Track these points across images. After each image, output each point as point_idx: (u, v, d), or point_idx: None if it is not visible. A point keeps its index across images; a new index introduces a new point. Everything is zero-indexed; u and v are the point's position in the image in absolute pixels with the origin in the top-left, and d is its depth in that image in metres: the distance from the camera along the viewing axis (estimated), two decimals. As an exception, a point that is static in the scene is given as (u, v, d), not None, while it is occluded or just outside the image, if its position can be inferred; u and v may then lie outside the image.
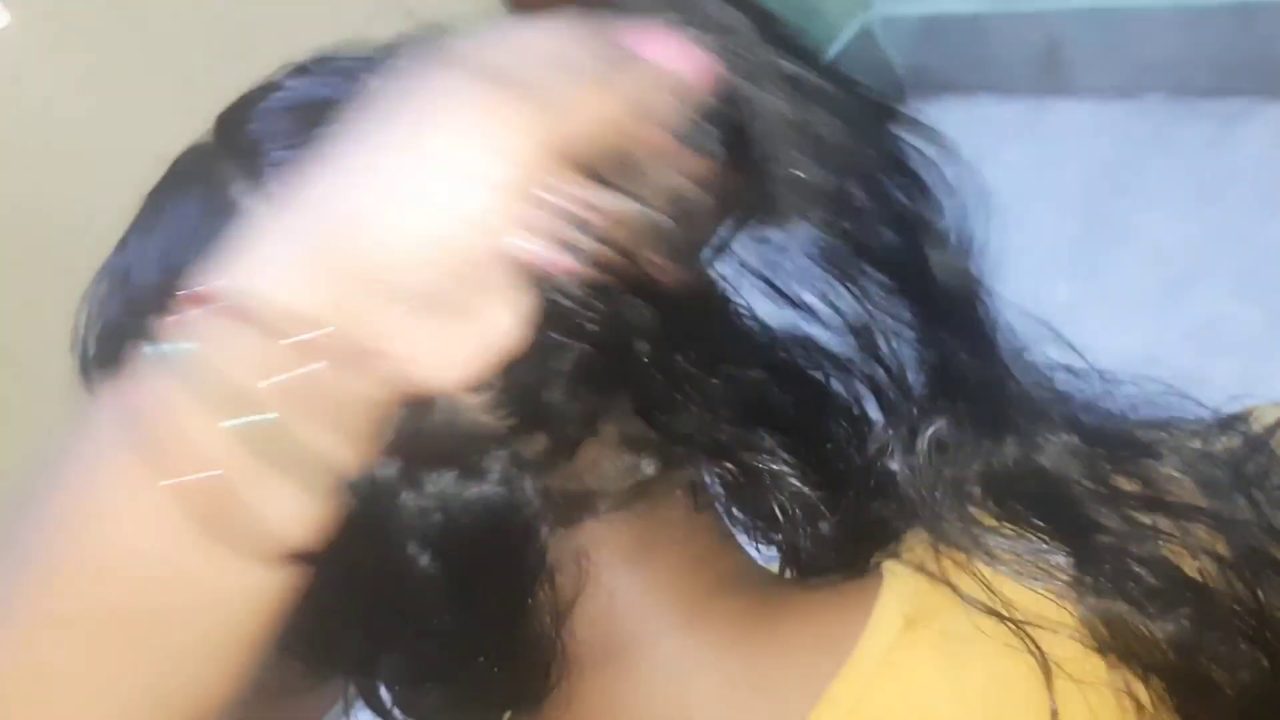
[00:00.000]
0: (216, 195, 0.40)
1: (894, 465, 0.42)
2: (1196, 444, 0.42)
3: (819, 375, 0.43)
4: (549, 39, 0.31)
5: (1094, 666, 0.39)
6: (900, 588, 0.41)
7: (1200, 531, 0.40)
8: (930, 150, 0.39)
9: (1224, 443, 0.42)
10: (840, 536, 0.44)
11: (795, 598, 0.43)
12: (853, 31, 1.94)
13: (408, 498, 0.37)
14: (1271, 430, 0.42)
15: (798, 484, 0.42)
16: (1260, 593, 0.39)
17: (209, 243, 0.35)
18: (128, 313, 0.40)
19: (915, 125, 0.38)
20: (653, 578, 0.41)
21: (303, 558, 0.29)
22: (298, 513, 0.29)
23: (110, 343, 0.41)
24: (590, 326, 0.35)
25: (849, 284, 0.39)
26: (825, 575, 0.44)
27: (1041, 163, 1.63)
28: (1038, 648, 0.39)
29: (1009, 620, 0.39)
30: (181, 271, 0.35)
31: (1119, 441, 0.42)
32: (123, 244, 0.43)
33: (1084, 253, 1.43)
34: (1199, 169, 1.52)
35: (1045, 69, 1.76)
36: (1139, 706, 0.39)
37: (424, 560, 0.38)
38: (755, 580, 0.44)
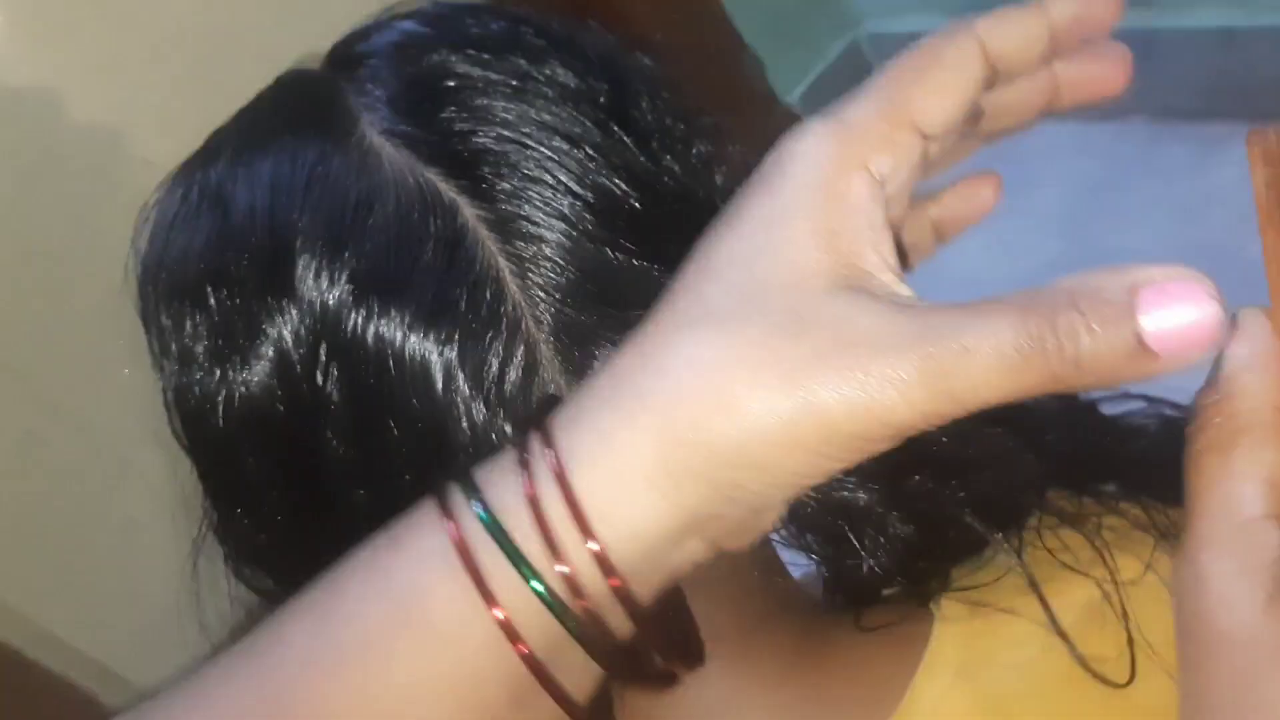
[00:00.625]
0: (341, 138, 0.37)
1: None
2: None
3: None
4: None
5: None
6: (953, 632, 0.40)
7: None
8: None
9: None
10: (897, 568, 0.41)
11: (844, 635, 0.41)
12: (841, 47, 1.95)
13: None
14: None
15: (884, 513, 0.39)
16: None
17: (325, 186, 0.36)
18: (221, 246, 0.37)
19: None
20: (704, 607, 0.36)
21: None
22: (584, 682, 0.29)
23: (191, 268, 0.38)
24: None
25: None
26: (872, 606, 0.42)
27: (1025, 182, 1.64)
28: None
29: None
30: (290, 222, 0.36)
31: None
32: (214, 154, 0.39)
33: (1066, 272, 1.44)
34: (1182, 191, 1.54)
35: (1030, 89, 1.78)
36: None
37: None
38: (803, 612, 0.42)
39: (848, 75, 1.95)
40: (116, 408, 0.95)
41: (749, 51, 1.86)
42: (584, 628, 0.28)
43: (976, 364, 0.26)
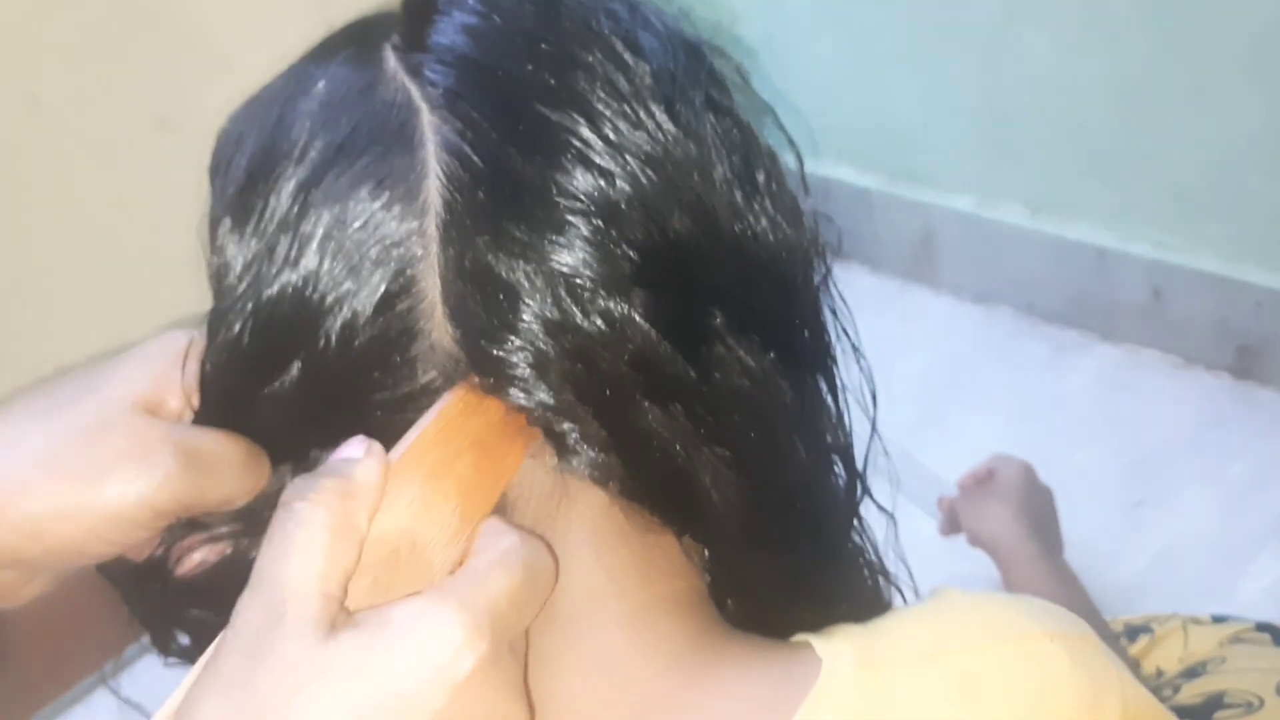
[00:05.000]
0: (367, 51, 0.41)
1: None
2: None
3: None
4: None
5: None
6: (842, 677, 0.40)
7: None
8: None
9: None
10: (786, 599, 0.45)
11: (737, 651, 0.42)
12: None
13: None
14: None
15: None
16: None
17: (357, 101, 0.40)
18: (265, 162, 0.40)
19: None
20: (613, 561, 0.41)
21: None
22: None
23: (243, 198, 0.41)
24: None
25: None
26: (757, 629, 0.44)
27: (894, 340, 1.71)
28: None
29: None
30: (329, 134, 0.39)
31: None
32: (271, 98, 0.43)
33: (905, 433, 1.49)
34: (1030, 387, 1.62)
35: (917, 256, 1.86)
36: None
37: None
38: (706, 612, 0.43)
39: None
40: None
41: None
42: None
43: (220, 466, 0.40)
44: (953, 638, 0.41)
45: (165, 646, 0.46)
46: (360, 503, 0.35)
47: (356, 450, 0.37)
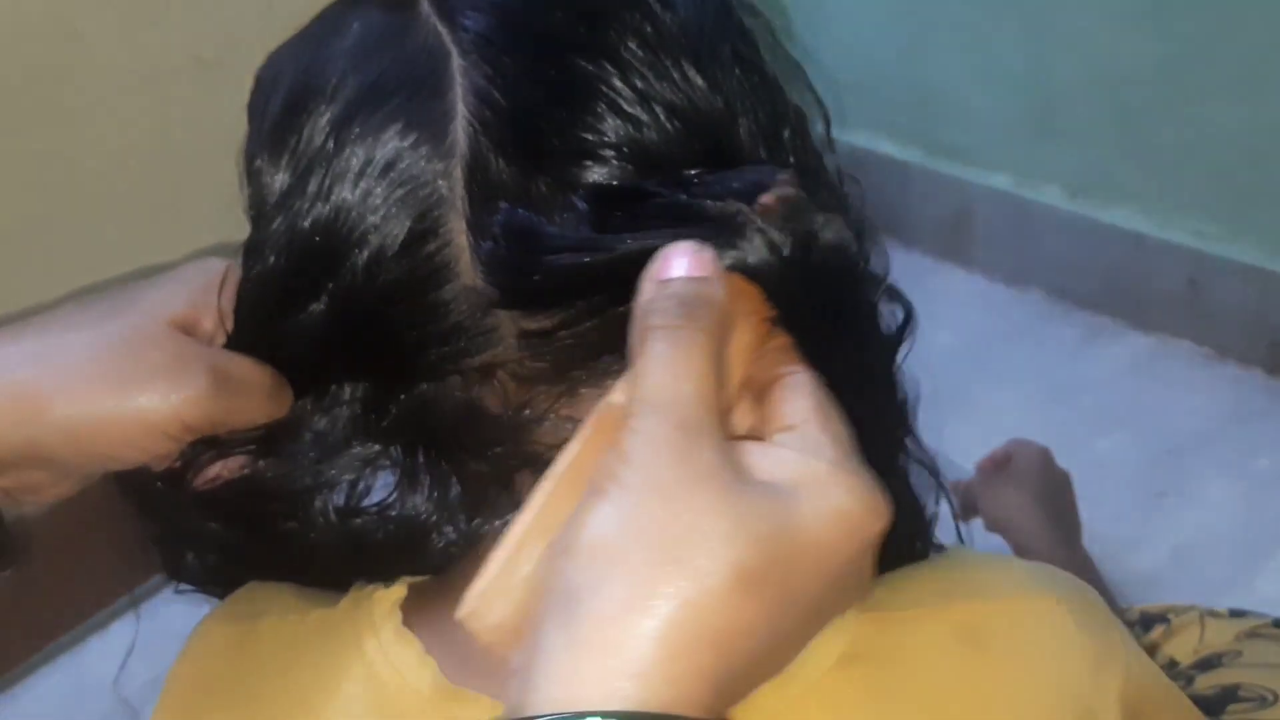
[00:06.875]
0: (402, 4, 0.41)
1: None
2: None
3: None
4: None
5: None
6: (841, 624, 0.40)
7: None
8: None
9: None
10: None
11: None
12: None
13: None
14: None
15: None
16: None
17: (389, 44, 0.40)
18: (299, 99, 0.41)
19: None
20: None
21: None
22: None
23: (278, 134, 0.41)
24: None
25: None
26: None
27: (922, 318, 1.69)
28: None
29: None
30: (361, 78, 0.40)
31: None
32: (298, 47, 0.43)
33: (925, 409, 1.48)
34: (1058, 371, 1.60)
35: (951, 233, 1.84)
36: None
37: None
38: None
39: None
40: None
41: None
42: None
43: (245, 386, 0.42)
44: (958, 590, 0.41)
45: (174, 569, 0.48)
46: (724, 326, 0.33)
47: (702, 267, 0.33)
